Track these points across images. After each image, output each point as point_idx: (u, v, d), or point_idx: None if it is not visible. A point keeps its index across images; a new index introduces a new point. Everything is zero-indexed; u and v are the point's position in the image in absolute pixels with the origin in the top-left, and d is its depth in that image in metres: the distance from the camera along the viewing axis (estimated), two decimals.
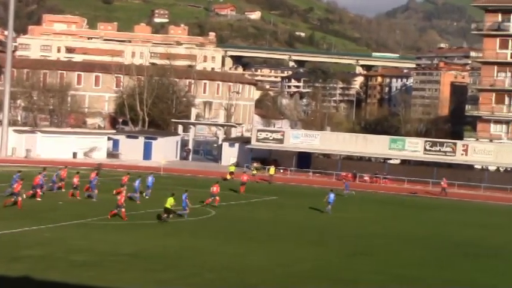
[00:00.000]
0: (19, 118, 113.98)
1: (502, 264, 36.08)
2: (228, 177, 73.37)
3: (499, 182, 78.45)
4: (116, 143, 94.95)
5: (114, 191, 51.36)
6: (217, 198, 50.72)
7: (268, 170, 78.38)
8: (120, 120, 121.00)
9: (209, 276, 29.20)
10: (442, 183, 73.40)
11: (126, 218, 42.37)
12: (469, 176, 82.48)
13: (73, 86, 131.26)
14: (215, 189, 51.19)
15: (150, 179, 55.13)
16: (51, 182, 53.83)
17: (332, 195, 52.45)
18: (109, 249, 33.30)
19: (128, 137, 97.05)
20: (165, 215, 42.99)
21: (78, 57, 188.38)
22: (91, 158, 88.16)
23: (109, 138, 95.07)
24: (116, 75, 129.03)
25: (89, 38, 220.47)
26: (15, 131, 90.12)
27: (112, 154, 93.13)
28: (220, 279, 28.82)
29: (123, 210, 42.89)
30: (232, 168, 76.50)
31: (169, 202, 42.98)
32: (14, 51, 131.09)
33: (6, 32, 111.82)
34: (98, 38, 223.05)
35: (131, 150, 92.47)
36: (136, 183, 52.54)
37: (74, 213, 43.76)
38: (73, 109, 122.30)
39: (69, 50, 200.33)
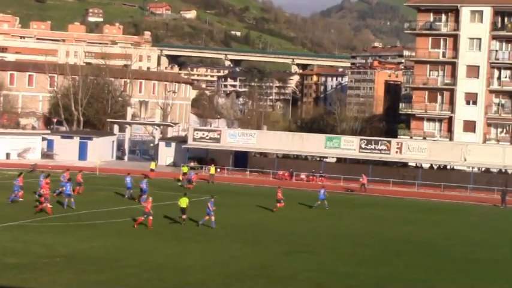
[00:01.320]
0: None
1: (434, 260, 36.66)
2: (181, 178, 72.50)
3: (433, 179, 79.62)
4: (50, 144, 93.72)
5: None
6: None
7: (209, 169, 78.29)
8: (55, 120, 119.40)
9: (146, 276, 29.07)
10: (361, 179, 74.60)
11: (151, 227, 41.42)
12: (403, 173, 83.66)
13: (6, 85, 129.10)
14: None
15: (128, 179, 54.87)
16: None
17: (322, 191, 56.37)
18: (43, 251, 32.88)
19: (63, 137, 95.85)
20: (184, 216, 43.64)
21: (10, 57, 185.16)
22: (25, 159, 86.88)
23: (43, 139, 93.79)
24: (49, 74, 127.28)
25: (21, 37, 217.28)
26: None
27: (47, 154, 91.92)
28: (157, 279, 28.71)
29: (150, 217, 41.91)
30: (185, 169, 75.32)
31: (185, 202, 44.01)
32: None
33: None
34: (31, 37, 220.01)
35: (66, 151, 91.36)
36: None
37: (8, 215, 43.08)
38: (6, 109, 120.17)
39: (2, 49, 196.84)
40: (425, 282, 31.70)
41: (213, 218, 43.37)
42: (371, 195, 71.06)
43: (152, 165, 76.97)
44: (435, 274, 33.11)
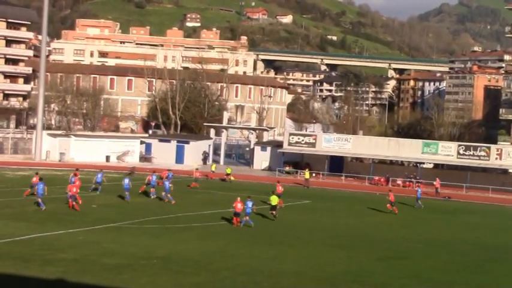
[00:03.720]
0: (53, 122, 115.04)
1: None
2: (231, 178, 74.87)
3: None
4: (148, 147, 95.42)
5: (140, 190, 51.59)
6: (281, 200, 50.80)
7: (304, 174, 78.41)
8: (153, 124, 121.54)
9: (241, 279, 29.23)
10: (435, 183, 73.30)
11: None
12: (503, 180, 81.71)
13: (106, 90, 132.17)
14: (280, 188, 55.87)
15: (126, 180, 53.94)
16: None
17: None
18: (141, 252, 33.44)
19: (161, 140, 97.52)
20: (274, 212, 47.14)
21: (111, 62, 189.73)
22: (124, 162, 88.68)
23: (142, 142, 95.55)
24: (148, 79, 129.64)
25: (121, 42, 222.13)
26: (49, 134, 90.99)
27: (145, 158, 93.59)
28: (252, 282, 28.83)
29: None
30: (229, 170, 77.33)
31: (275, 200, 47.29)
32: (47, 56, 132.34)
33: (40, 37, 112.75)
34: (130, 42, 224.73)
35: (164, 154, 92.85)
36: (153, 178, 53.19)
37: (107, 217, 44.07)
38: (106, 113, 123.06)
39: (102, 54, 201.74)
40: None
41: (246, 217, 43.90)
42: (470, 202, 69.68)
43: (228, 170, 78.27)
44: None
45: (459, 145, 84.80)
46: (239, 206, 43.25)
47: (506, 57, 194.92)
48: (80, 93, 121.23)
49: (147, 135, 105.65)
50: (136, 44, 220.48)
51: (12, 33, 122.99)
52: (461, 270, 33.89)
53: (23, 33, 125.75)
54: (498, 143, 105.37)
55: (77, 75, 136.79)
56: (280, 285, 28.83)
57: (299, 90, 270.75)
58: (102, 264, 30.48)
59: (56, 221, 41.36)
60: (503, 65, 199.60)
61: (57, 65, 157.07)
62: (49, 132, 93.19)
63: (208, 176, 76.93)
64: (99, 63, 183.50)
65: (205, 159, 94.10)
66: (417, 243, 41.53)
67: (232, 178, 75.57)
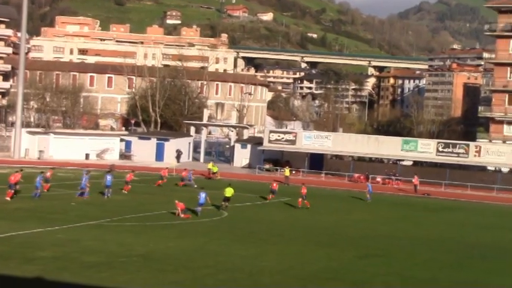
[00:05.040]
0: (32, 119, 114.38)
1: None
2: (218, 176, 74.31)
3: None
4: (128, 144, 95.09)
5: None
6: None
7: (284, 171, 78.41)
8: (133, 121, 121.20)
9: (222, 277, 29.22)
10: (414, 180, 73.72)
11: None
12: (481, 177, 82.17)
13: (86, 87, 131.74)
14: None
15: (108, 177, 53.54)
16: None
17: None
18: (121, 250, 33.36)
19: (141, 138, 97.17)
20: (227, 204, 49.05)
21: (90, 59, 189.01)
22: (104, 160, 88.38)
23: (121, 140, 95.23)
24: (128, 76, 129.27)
25: (101, 40, 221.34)
26: (29, 132, 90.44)
27: (125, 155, 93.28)
28: (232, 280, 28.83)
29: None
30: (215, 169, 77.19)
31: (230, 192, 49.10)
32: (27, 53, 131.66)
33: (19, 34, 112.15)
34: (110, 39, 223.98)
35: (144, 152, 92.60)
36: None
37: (87, 215, 43.89)
38: (86, 110, 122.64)
39: (82, 51, 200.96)
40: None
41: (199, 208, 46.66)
42: (448, 199, 70.07)
43: (210, 165, 78.16)
44: None
45: (438, 142, 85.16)
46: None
47: (485, 55, 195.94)
48: (60, 91, 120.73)
49: (127, 132, 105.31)
50: (116, 41, 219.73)
51: None
52: (443, 268, 34.02)
53: (2, 30, 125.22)
54: (477, 140, 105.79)
55: (57, 72, 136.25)
56: (261, 283, 28.84)
57: (279, 87, 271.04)
58: (81, 262, 30.37)
59: (36, 219, 41.16)
60: (482, 62, 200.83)
61: (37, 62, 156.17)
62: (28, 129, 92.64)
63: (205, 175, 76.08)
64: (79, 61, 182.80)
65: (178, 157, 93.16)
66: (397, 241, 41.71)
67: (218, 177, 74.98)
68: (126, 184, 57.19)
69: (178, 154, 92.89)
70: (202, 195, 46.48)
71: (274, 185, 59.79)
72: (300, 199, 54.73)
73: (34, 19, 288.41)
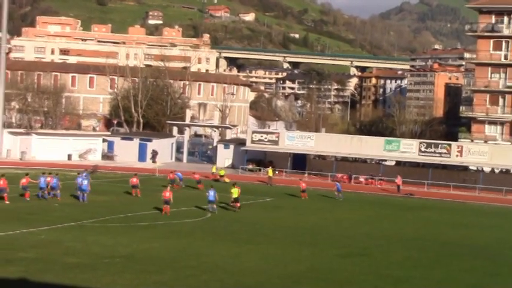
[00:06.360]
0: (13, 120, 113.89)
1: (490, 264, 36.10)
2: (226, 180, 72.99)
3: (494, 183, 78.50)
4: (111, 145, 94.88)
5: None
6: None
7: (267, 172, 78.35)
8: (115, 122, 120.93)
9: (205, 277, 29.18)
10: (396, 180, 74.12)
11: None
12: (463, 177, 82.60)
13: (67, 87, 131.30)
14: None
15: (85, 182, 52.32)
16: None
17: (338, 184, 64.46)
18: (104, 251, 33.25)
19: (123, 138, 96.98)
20: (238, 204, 49.90)
21: (72, 59, 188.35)
22: (86, 160, 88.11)
23: (104, 140, 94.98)
24: (110, 76, 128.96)
25: (83, 40, 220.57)
26: (10, 133, 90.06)
27: (107, 156, 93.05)
28: (215, 280, 28.80)
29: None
30: (222, 172, 76.39)
31: (236, 192, 49.72)
32: (8, 53, 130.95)
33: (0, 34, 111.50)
34: (92, 39, 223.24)
35: (126, 152, 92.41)
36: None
37: (69, 216, 43.73)
38: (68, 111, 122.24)
39: (64, 51, 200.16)
40: (480, 286, 31.27)
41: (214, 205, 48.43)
42: (430, 199, 70.40)
43: (214, 168, 77.78)
44: (490, 278, 32.64)
45: (420, 142, 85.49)
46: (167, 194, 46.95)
47: (466, 55, 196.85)
48: (41, 91, 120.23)
49: (109, 133, 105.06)
50: (98, 41, 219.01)
51: None
52: (419, 266, 34.18)
53: None
54: (459, 140, 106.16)
55: (38, 72, 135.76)
56: (244, 283, 28.84)
57: (262, 88, 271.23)
58: (64, 263, 30.23)
59: (17, 220, 40.97)
60: (464, 62, 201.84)
61: (18, 62, 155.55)
62: (10, 130, 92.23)
63: (211, 177, 74.86)
64: (61, 61, 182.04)
65: (153, 157, 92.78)
66: (379, 240, 41.85)
67: (227, 180, 72.90)
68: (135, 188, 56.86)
69: (153, 154, 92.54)
70: (211, 192, 48.28)
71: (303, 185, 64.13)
72: (302, 192, 61.73)
73: (15, 19, 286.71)
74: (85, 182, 51.21)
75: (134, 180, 57.08)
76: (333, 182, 72.23)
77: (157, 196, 50.85)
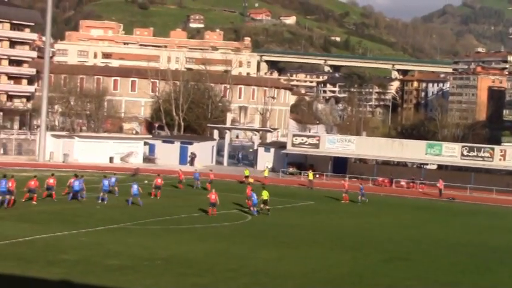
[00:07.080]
0: (57, 123, 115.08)
1: None
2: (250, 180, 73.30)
3: None
4: (152, 148, 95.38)
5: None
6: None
7: (307, 175, 78.09)
8: (156, 125, 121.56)
9: (245, 280, 29.10)
10: (438, 184, 73.21)
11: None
12: (507, 181, 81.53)
13: (110, 91, 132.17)
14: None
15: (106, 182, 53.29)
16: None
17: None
18: (144, 253, 33.34)
19: (164, 141, 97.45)
20: (267, 207, 49.92)
21: (114, 63, 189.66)
22: (128, 163, 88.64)
23: (145, 143, 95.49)
24: (151, 80, 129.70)
25: (125, 44, 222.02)
26: (53, 135, 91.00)
27: (148, 159, 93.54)
28: (256, 283, 28.70)
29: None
30: (247, 173, 76.48)
31: (266, 195, 49.94)
32: (51, 57, 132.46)
33: (44, 38, 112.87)
34: (134, 43, 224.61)
35: (167, 155, 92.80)
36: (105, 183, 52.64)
37: (110, 218, 44.01)
38: (110, 114, 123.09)
39: (106, 55, 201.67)
40: None
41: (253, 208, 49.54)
42: (473, 203, 69.59)
43: (246, 172, 77.55)
44: None
45: (463, 146, 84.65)
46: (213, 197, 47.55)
47: (510, 58, 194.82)
48: (84, 94, 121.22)
49: (150, 136, 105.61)
50: (140, 45, 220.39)
51: (16, 35, 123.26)
52: (467, 272, 33.72)
53: (27, 34, 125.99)
54: (502, 144, 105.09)
55: (81, 76, 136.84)
56: (285, 286, 28.71)
57: (302, 91, 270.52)
58: (105, 265, 30.39)
59: (59, 222, 41.31)
60: (507, 66, 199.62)
61: (61, 66, 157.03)
62: (53, 133, 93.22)
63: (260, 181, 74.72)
64: (103, 65, 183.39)
65: (192, 160, 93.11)
66: (422, 245, 41.40)
67: (251, 180, 73.28)
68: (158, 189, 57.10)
69: (192, 157, 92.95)
70: (254, 196, 49.78)
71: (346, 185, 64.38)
72: (345, 194, 62.17)
73: (58, 23, 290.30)
74: (135, 187, 51.41)
75: (159, 181, 57.42)
76: (375, 186, 71.70)
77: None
